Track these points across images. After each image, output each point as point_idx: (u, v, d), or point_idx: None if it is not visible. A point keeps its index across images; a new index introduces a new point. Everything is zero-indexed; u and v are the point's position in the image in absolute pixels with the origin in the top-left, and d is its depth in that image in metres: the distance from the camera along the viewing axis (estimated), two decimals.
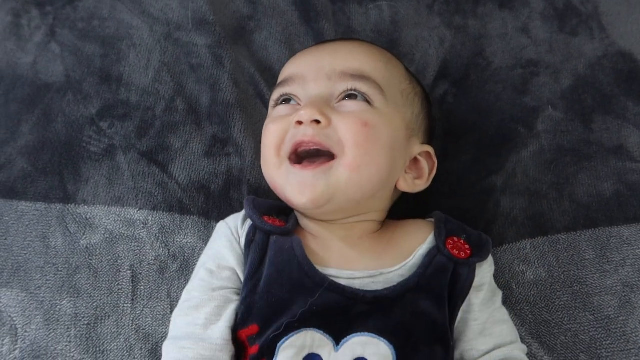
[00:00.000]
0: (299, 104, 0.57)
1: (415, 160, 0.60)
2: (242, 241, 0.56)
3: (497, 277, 0.62)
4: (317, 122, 0.53)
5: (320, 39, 0.78)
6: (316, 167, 0.53)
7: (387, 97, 0.56)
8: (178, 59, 0.75)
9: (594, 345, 0.59)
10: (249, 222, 0.57)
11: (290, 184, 0.53)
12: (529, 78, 0.75)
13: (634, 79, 0.74)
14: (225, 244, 0.56)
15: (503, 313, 0.57)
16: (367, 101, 0.55)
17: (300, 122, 0.53)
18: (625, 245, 0.64)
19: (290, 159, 0.54)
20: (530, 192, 0.68)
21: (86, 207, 0.65)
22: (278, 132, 0.55)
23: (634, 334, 0.60)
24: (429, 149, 0.60)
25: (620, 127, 0.71)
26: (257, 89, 0.75)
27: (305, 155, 0.54)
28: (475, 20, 0.80)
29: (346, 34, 0.79)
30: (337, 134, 0.53)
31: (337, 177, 0.52)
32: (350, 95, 0.55)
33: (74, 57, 0.74)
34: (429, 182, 0.60)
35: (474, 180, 0.70)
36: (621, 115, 0.72)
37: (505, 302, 0.59)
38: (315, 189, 0.52)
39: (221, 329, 0.51)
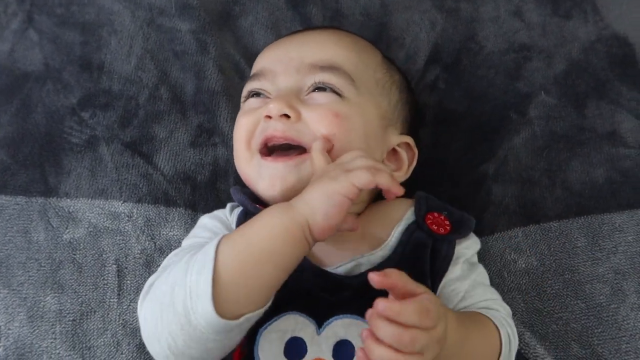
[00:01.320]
0: (268, 97, 0.56)
1: (393, 151, 0.58)
2: (233, 226, 0.55)
3: (489, 265, 0.62)
4: (287, 116, 0.52)
5: (307, 24, 0.76)
6: (288, 160, 0.52)
7: (359, 87, 0.55)
8: (161, 45, 0.72)
9: (585, 333, 0.59)
10: (237, 210, 0.57)
11: (262, 176, 0.53)
12: (522, 63, 0.74)
13: (628, 63, 0.73)
14: (218, 224, 0.55)
15: (484, 278, 0.56)
16: (337, 93, 0.54)
17: (269, 117, 0.53)
18: (617, 233, 0.63)
19: (260, 152, 0.54)
20: (522, 180, 0.67)
21: (68, 200, 0.63)
22: (248, 125, 0.55)
23: (625, 322, 0.59)
24: (408, 139, 0.59)
25: (613, 112, 0.70)
26: (243, 76, 0.73)
27: (276, 148, 0.53)
28: (467, 3, 0.78)
29: (334, 18, 0.77)
30: (309, 128, 0.52)
31: (309, 169, 0.51)
32: (320, 88, 0.54)
33: (52, 44, 0.72)
34: (409, 174, 0.59)
35: (466, 168, 0.69)
36: (615, 101, 0.71)
37: (497, 290, 0.58)
38: (286, 181, 0.52)
39: None
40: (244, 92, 0.59)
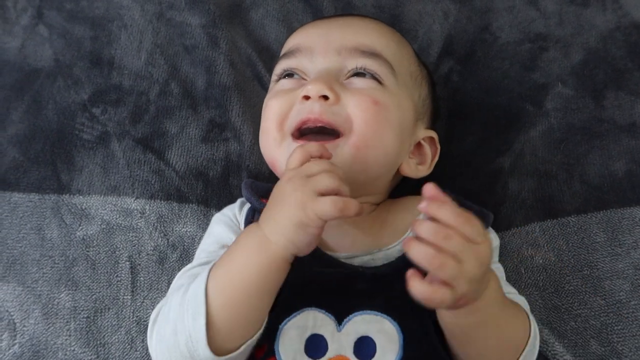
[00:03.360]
0: (303, 79, 0.55)
1: (418, 145, 0.58)
2: (242, 226, 0.55)
3: (505, 261, 0.61)
4: (325, 98, 0.50)
5: (319, 16, 0.75)
6: (322, 143, 0.50)
7: (398, 77, 0.55)
8: (171, 40, 0.72)
9: (604, 331, 0.58)
10: (246, 207, 0.56)
11: None
12: (538, 53, 0.72)
13: None
14: (226, 229, 0.55)
15: (500, 274, 0.55)
16: (378, 80, 0.53)
17: (307, 97, 0.51)
18: (638, 227, 0.62)
19: (292, 135, 0.52)
20: (539, 173, 0.66)
21: (81, 197, 0.63)
22: (281, 106, 0.53)
23: None
24: (433, 134, 0.59)
25: (633, 103, 0.69)
26: (255, 70, 0.72)
27: (308, 133, 0.52)
28: None
29: (345, 10, 0.76)
30: (346, 111, 0.51)
31: (342, 155, 0.50)
32: (359, 74, 0.53)
33: (62, 40, 0.71)
34: (431, 169, 0.59)
35: (481, 162, 0.68)
36: (634, 91, 0.69)
37: (514, 287, 0.57)
38: None
39: None
40: (277, 70, 0.57)
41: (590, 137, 0.67)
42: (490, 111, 0.70)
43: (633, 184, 0.64)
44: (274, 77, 0.58)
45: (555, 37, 0.73)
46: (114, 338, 0.58)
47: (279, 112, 0.53)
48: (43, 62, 0.70)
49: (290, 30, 0.72)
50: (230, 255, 0.46)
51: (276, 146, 0.53)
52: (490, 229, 0.57)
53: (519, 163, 0.67)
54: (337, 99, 0.51)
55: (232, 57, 0.71)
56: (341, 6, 0.76)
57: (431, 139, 0.59)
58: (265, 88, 0.69)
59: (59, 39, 0.71)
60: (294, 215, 0.43)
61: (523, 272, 0.61)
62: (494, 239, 0.57)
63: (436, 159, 0.59)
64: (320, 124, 0.51)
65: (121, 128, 0.67)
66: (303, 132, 0.52)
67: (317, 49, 0.54)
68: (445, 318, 0.46)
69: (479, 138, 0.69)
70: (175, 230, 0.62)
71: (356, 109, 0.51)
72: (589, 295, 0.60)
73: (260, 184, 0.58)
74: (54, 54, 0.70)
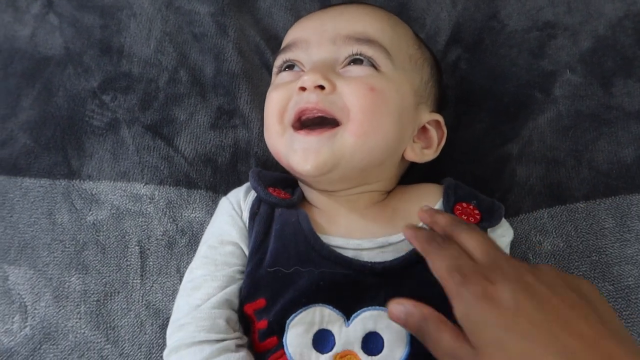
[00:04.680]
0: (302, 70, 0.55)
1: (423, 129, 0.58)
2: (245, 215, 0.55)
3: (514, 247, 0.61)
4: (321, 87, 0.51)
5: (327, 5, 0.75)
6: (320, 133, 0.51)
7: (395, 62, 0.54)
8: (180, 28, 0.72)
9: None
10: (252, 195, 0.56)
11: (294, 150, 0.52)
12: (546, 41, 0.72)
13: None
14: (227, 220, 0.55)
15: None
16: (374, 66, 0.53)
17: (303, 88, 0.51)
18: None
19: (293, 126, 0.52)
20: (547, 160, 0.66)
21: (91, 182, 0.64)
22: (280, 99, 0.53)
23: None
24: (439, 117, 0.58)
25: None
26: (263, 58, 0.72)
27: (309, 124, 0.52)
28: None
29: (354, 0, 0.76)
30: (342, 99, 0.51)
31: (342, 143, 0.50)
32: (356, 60, 0.53)
33: (72, 28, 0.72)
34: (438, 152, 0.58)
35: (489, 149, 0.68)
36: None
37: None
38: (319, 155, 0.50)
39: (218, 298, 0.50)
40: (277, 63, 0.58)
41: (599, 124, 0.67)
42: (499, 99, 0.70)
43: None
44: (274, 69, 0.58)
45: (564, 24, 0.73)
46: (123, 321, 0.59)
47: (279, 104, 0.53)
48: (53, 50, 0.71)
49: (298, 18, 0.72)
50: None
51: (278, 138, 0.53)
52: (504, 221, 0.57)
53: (527, 150, 0.67)
54: (333, 88, 0.51)
55: (240, 45, 0.71)
56: None
57: (437, 122, 0.58)
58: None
59: (69, 27, 0.72)
60: None
61: (531, 258, 0.61)
62: (508, 234, 0.57)
63: (443, 142, 0.58)
64: (318, 114, 0.51)
65: (131, 115, 0.67)
66: (304, 123, 0.52)
67: (312, 41, 0.54)
68: None
69: (487, 125, 0.69)
70: (184, 216, 0.63)
71: (352, 97, 0.51)
72: (598, 281, 0.59)
73: (268, 172, 0.58)
74: (64, 42, 0.71)
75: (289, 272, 0.49)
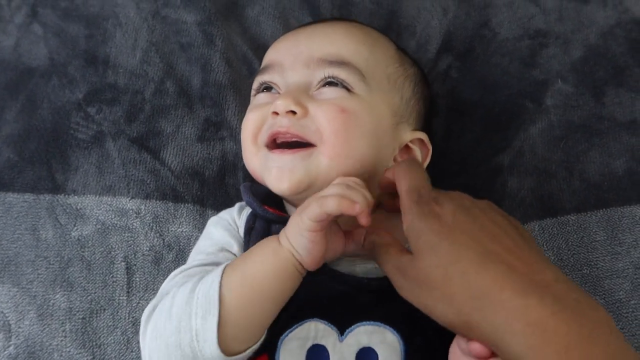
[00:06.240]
0: (278, 93, 0.55)
1: (407, 147, 0.57)
2: (241, 230, 0.54)
3: None
4: (293, 112, 0.51)
5: (316, 13, 0.74)
6: (294, 152, 0.51)
7: (369, 83, 0.54)
8: (167, 37, 0.71)
9: None
10: (246, 211, 0.56)
11: (268, 169, 0.52)
12: (537, 49, 0.72)
13: None
14: (225, 233, 0.54)
15: None
16: (347, 88, 0.53)
17: (276, 113, 0.51)
18: (638, 226, 0.61)
19: (267, 146, 0.52)
20: (538, 171, 0.65)
21: (76, 197, 0.63)
22: (255, 121, 0.54)
23: None
24: (422, 135, 0.57)
25: (633, 100, 0.68)
26: (251, 68, 0.71)
27: (285, 146, 0.52)
28: None
29: (343, 7, 0.75)
30: (315, 123, 0.51)
31: (317, 164, 0.50)
32: (330, 83, 0.53)
33: (57, 38, 0.70)
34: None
35: (480, 160, 0.67)
36: (635, 88, 0.68)
37: None
38: (293, 174, 0.50)
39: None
40: (255, 85, 0.57)
41: (590, 134, 0.67)
42: (490, 108, 0.70)
43: (633, 182, 0.63)
44: (252, 90, 0.58)
45: (555, 33, 0.72)
46: (109, 339, 0.58)
47: (253, 125, 0.54)
48: (38, 61, 0.69)
49: (287, 27, 0.72)
50: (246, 259, 0.47)
51: (253, 157, 0.54)
52: None
53: (518, 161, 0.66)
54: (304, 112, 0.51)
55: (228, 54, 0.70)
56: (338, 2, 0.75)
57: (420, 140, 0.57)
58: None
59: (53, 37, 0.71)
60: (297, 219, 0.46)
61: None
62: None
63: (428, 159, 0.57)
64: (291, 137, 0.51)
65: (116, 127, 0.66)
66: (280, 145, 0.52)
67: (287, 64, 0.54)
68: None
69: (477, 135, 0.68)
70: (171, 230, 0.62)
71: (323, 119, 0.51)
72: (589, 294, 0.59)
73: (259, 187, 0.57)
74: (48, 52, 0.70)
75: None
